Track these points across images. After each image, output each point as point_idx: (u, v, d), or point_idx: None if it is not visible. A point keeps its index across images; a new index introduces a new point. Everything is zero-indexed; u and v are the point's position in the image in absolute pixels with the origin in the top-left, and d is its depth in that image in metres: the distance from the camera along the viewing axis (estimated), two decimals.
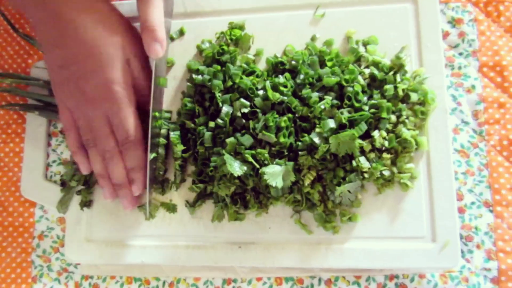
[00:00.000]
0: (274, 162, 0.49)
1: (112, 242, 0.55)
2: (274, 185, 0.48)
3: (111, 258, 0.55)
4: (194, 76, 0.54)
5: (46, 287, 0.58)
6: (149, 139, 0.52)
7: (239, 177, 0.50)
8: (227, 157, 0.48)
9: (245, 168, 0.49)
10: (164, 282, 0.56)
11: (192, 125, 0.53)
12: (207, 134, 0.51)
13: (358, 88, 0.50)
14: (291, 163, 0.49)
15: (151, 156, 0.52)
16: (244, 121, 0.51)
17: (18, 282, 0.58)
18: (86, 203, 0.56)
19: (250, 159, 0.49)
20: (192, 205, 0.54)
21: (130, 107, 0.51)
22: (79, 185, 0.57)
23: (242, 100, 0.51)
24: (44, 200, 0.58)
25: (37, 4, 0.49)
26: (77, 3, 0.49)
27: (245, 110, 0.51)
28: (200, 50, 0.58)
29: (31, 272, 0.59)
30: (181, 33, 0.59)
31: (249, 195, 0.52)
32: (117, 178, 0.53)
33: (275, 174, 0.48)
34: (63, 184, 0.58)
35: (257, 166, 0.49)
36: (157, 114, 0.53)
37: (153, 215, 0.55)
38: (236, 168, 0.48)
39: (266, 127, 0.50)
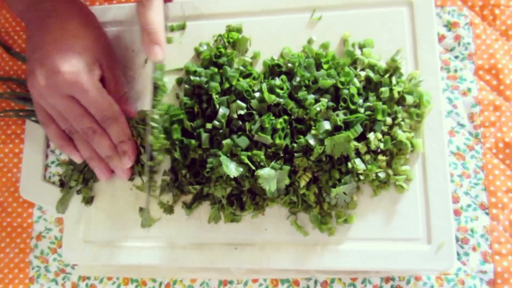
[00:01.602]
0: (270, 166, 0.49)
1: (110, 243, 0.56)
2: (267, 188, 0.48)
3: (108, 259, 0.55)
4: (192, 77, 0.55)
5: (43, 287, 0.58)
6: (148, 145, 0.52)
7: (235, 179, 0.50)
8: (223, 158, 0.49)
9: (241, 169, 0.49)
10: (160, 283, 0.57)
11: (190, 126, 0.53)
12: (205, 136, 0.52)
13: (353, 90, 0.51)
14: (287, 167, 0.49)
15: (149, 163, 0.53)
16: (240, 122, 0.51)
17: (16, 282, 0.59)
18: (88, 200, 0.57)
19: (246, 161, 0.49)
20: (188, 206, 0.55)
21: (96, 87, 0.51)
22: (78, 184, 0.57)
23: (239, 102, 0.51)
24: (42, 200, 0.59)
25: (32, 5, 0.54)
26: (64, 6, 0.54)
27: (242, 112, 0.51)
28: (197, 53, 0.58)
29: (28, 273, 0.59)
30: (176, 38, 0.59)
31: (245, 197, 0.52)
32: (104, 151, 0.53)
33: (270, 178, 0.48)
34: (62, 184, 0.58)
35: (253, 167, 0.49)
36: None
37: (150, 224, 0.55)
38: (232, 169, 0.48)
39: (262, 129, 0.50)
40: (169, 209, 0.55)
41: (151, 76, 0.53)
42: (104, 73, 0.54)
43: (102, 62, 0.53)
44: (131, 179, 0.57)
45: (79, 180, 0.57)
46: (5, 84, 0.64)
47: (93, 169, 0.55)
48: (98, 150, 0.53)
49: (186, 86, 0.56)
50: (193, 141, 0.52)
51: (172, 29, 0.60)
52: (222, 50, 0.56)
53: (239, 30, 0.58)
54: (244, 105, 0.51)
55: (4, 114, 0.63)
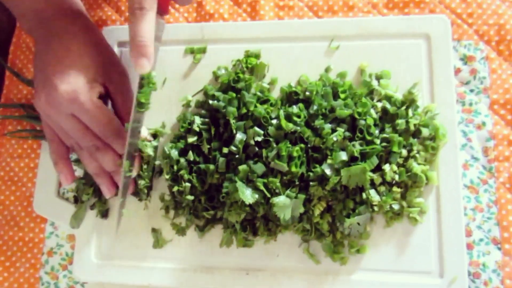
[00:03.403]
0: (286, 194, 0.49)
1: (121, 263, 0.56)
2: (282, 216, 0.49)
3: (118, 278, 0.55)
4: (210, 101, 0.55)
5: None
6: (124, 158, 0.52)
7: (249, 205, 0.50)
8: (239, 184, 0.49)
9: (256, 196, 0.49)
10: None
11: (207, 147, 0.54)
12: (221, 160, 0.52)
13: (370, 121, 0.51)
14: (302, 196, 0.49)
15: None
16: (257, 149, 0.52)
17: None
18: (104, 213, 0.57)
19: (262, 188, 0.49)
20: (201, 229, 0.55)
21: (95, 104, 0.52)
22: (90, 198, 0.58)
23: (256, 128, 0.52)
24: (56, 216, 0.59)
25: (41, 22, 0.56)
26: (71, 24, 0.55)
27: (259, 139, 0.52)
28: (215, 76, 0.59)
29: None
30: (197, 58, 0.60)
31: (258, 222, 0.53)
32: (109, 166, 0.54)
33: (285, 206, 0.49)
34: (76, 201, 0.59)
35: (268, 195, 0.49)
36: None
37: (162, 245, 0.55)
38: (248, 195, 0.49)
39: (278, 156, 0.50)
40: (181, 231, 0.55)
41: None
42: (110, 89, 0.55)
43: (106, 78, 0.55)
44: (142, 199, 0.57)
45: (91, 194, 0.58)
46: (18, 111, 0.65)
47: (99, 186, 0.56)
48: (103, 165, 0.55)
49: (202, 111, 0.56)
50: (211, 166, 0.52)
51: (192, 52, 0.60)
52: (241, 75, 0.57)
53: (257, 56, 0.59)
54: (261, 132, 0.52)
55: (19, 135, 0.64)
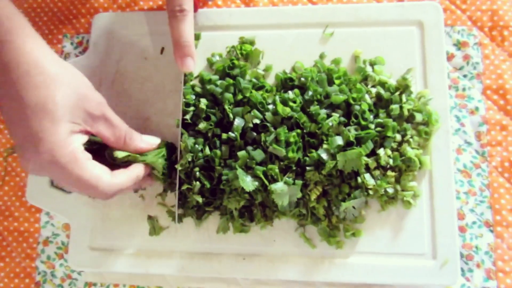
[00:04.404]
0: (283, 180, 0.49)
1: (117, 251, 0.56)
2: (280, 203, 0.49)
3: (114, 267, 0.55)
4: (208, 86, 0.55)
5: None
6: (179, 149, 0.53)
7: (248, 192, 0.51)
8: (240, 171, 0.49)
9: (256, 183, 0.49)
10: None
11: (210, 133, 0.53)
12: (225, 147, 0.52)
13: (365, 106, 0.52)
14: (299, 182, 0.50)
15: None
16: (255, 134, 0.52)
17: (21, 287, 0.59)
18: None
19: (261, 175, 0.49)
20: (198, 217, 0.55)
21: (79, 163, 0.43)
22: None
23: (255, 111, 0.52)
24: (49, 206, 0.58)
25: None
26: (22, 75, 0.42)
27: (257, 121, 0.52)
28: (210, 63, 0.59)
29: (34, 278, 0.59)
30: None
31: (256, 209, 0.53)
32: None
33: (283, 193, 0.49)
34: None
35: (267, 183, 0.49)
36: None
37: (158, 233, 0.55)
38: (248, 183, 0.49)
39: (276, 141, 0.50)
40: (178, 218, 0.55)
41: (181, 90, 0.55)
42: (95, 127, 0.46)
43: (85, 118, 0.45)
44: (136, 190, 0.57)
45: None
46: None
47: None
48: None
49: (202, 99, 0.55)
50: (218, 152, 0.52)
51: None
52: (235, 61, 0.57)
53: (252, 43, 0.59)
54: (259, 115, 0.52)
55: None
